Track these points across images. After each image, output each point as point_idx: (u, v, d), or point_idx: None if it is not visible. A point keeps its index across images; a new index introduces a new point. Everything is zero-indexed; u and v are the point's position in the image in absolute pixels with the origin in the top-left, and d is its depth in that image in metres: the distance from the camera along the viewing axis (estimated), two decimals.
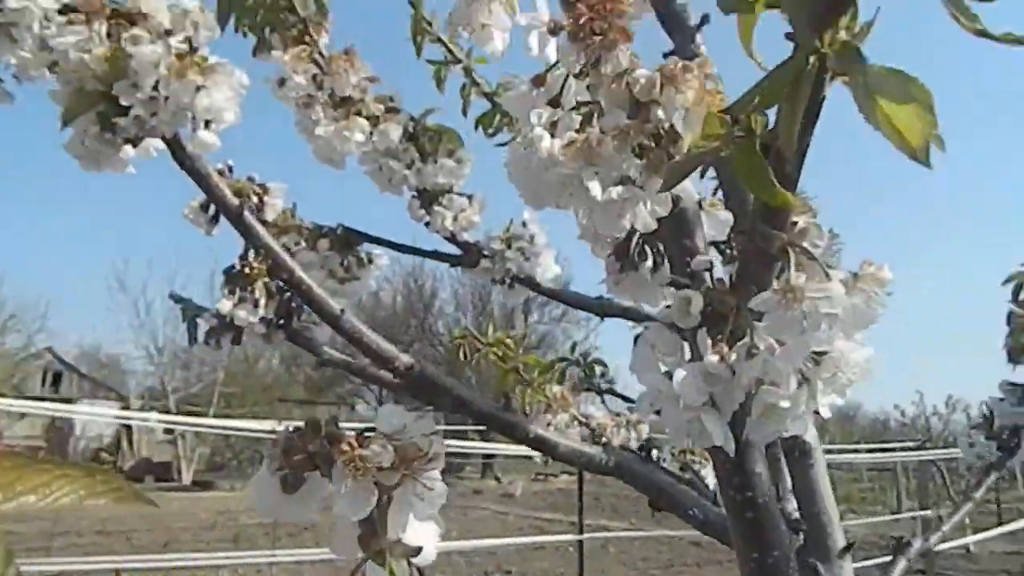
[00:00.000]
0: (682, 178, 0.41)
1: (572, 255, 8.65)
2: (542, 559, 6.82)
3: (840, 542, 0.77)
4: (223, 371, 15.87)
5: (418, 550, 0.37)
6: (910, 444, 8.62)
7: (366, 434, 0.38)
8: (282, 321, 0.87)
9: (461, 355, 1.34)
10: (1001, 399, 1.19)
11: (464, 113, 1.25)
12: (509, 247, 1.01)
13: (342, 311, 0.78)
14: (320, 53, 0.87)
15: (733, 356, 0.40)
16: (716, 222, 0.54)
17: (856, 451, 9.79)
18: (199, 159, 0.70)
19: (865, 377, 0.40)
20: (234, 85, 0.64)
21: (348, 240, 0.95)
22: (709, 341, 0.42)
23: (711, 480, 1.19)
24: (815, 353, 0.40)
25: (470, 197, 1.01)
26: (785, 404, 0.39)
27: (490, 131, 1.27)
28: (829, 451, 8.82)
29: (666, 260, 0.52)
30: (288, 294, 0.88)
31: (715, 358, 0.40)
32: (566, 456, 0.82)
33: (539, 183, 0.46)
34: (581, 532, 5.85)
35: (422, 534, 0.38)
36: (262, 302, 0.77)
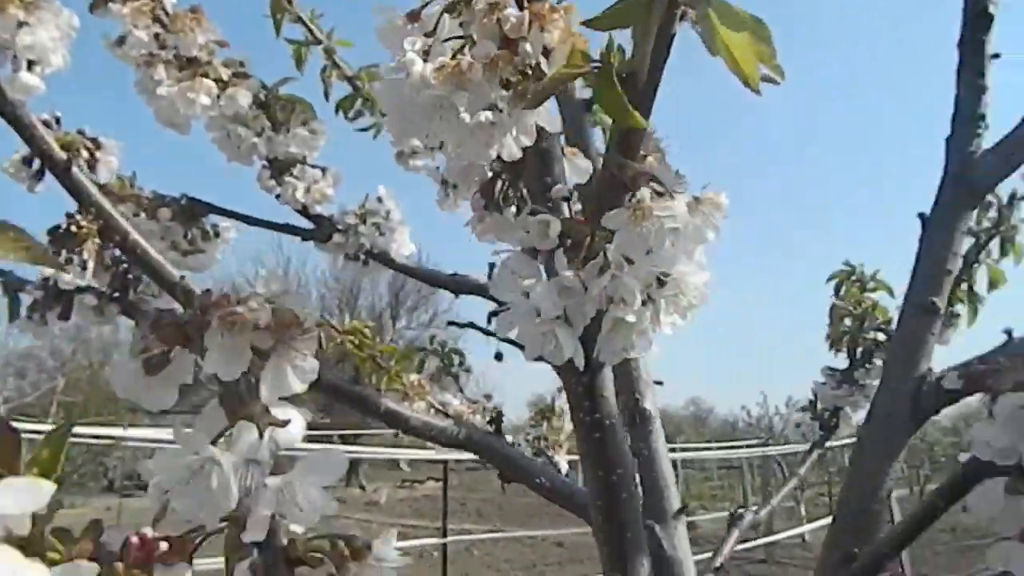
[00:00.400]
0: (545, 98, 0.43)
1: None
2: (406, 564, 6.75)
3: (675, 505, 0.82)
4: (63, 378, 14.65)
5: (286, 422, 0.36)
6: (754, 442, 9.21)
7: (244, 295, 0.37)
8: (117, 293, 0.82)
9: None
10: (823, 383, 1.31)
11: (326, 96, 1.22)
12: (364, 222, 1.00)
13: (182, 277, 0.74)
14: (164, 10, 0.83)
15: (585, 273, 0.43)
16: (576, 169, 0.56)
17: (708, 450, 10.35)
18: (21, 107, 0.65)
19: (703, 300, 0.44)
20: (62, 25, 0.61)
21: (192, 211, 0.91)
22: (565, 261, 0.44)
23: (564, 466, 1.22)
24: (660, 276, 0.44)
25: (324, 169, 0.99)
26: (631, 319, 0.42)
27: (350, 115, 1.25)
28: (685, 449, 9.28)
29: (529, 199, 0.54)
30: (124, 265, 0.83)
31: (569, 273, 0.43)
32: (417, 429, 0.81)
33: (410, 107, 0.46)
34: (445, 535, 5.83)
35: (290, 413, 0.37)
36: (91, 264, 0.72)
